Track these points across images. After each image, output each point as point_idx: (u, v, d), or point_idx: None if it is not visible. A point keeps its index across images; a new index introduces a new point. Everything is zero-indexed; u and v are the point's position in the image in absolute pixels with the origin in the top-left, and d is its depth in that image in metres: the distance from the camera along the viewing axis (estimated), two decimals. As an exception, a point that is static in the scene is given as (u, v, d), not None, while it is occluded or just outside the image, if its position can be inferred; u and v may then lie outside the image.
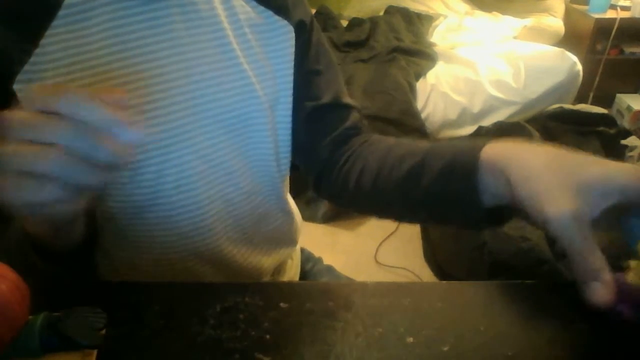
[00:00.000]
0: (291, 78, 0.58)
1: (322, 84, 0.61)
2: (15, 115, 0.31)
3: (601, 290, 0.37)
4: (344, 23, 2.58)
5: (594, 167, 0.39)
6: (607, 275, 0.37)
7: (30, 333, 0.36)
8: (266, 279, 0.68)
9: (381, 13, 2.62)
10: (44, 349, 0.36)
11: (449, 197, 0.48)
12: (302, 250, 0.81)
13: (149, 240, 0.55)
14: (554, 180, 0.39)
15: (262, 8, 0.56)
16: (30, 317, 0.36)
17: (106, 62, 0.47)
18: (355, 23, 2.52)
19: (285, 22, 0.57)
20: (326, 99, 0.60)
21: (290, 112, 0.60)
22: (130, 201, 0.52)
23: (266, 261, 0.66)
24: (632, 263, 0.39)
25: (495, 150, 0.45)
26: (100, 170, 0.32)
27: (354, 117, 0.63)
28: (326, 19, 2.58)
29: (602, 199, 0.38)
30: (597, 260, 0.37)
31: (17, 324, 0.34)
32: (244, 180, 0.59)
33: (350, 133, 0.62)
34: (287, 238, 0.70)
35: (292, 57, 0.58)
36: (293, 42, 0.58)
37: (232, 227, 0.60)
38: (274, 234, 0.66)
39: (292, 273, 0.75)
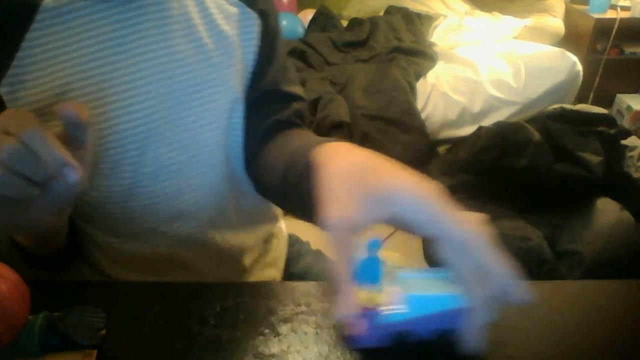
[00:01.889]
0: (253, 69, 0.60)
1: (267, 72, 0.62)
2: None
3: (340, 303, 0.35)
4: (344, 23, 2.58)
5: (383, 176, 0.38)
6: (347, 289, 0.35)
7: (30, 333, 0.36)
8: (252, 256, 0.70)
9: (381, 13, 2.62)
10: (44, 349, 0.36)
11: (300, 199, 0.48)
12: (290, 235, 0.83)
13: (133, 227, 0.58)
14: (341, 185, 0.39)
15: (233, 0, 0.58)
16: (30, 317, 0.36)
17: (84, 61, 0.49)
18: (355, 23, 2.52)
19: (255, 14, 0.59)
20: (265, 86, 0.61)
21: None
22: (111, 191, 0.54)
23: (248, 239, 0.68)
24: (362, 294, 0.37)
25: (319, 152, 0.45)
26: (32, 187, 0.36)
27: (293, 108, 0.63)
28: (326, 19, 2.58)
29: (378, 209, 0.37)
30: (344, 271, 0.36)
31: (17, 324, 0.34)
32: (225, 168, 0.60)
33: (282, 125, 0.62)
34: (267, 214, 0.72)
35: (257, 48, 0.60)
36: (259, 33, 0.60)
37: (213, 211, 0.62)
38: (252, 212, 0.68)
39: (277, 253, 0.77)
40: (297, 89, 0.65)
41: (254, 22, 0.59)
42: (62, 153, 0.35)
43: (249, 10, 0.58)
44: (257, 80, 0.61)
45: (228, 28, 0.57)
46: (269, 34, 0.61)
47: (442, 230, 0.36)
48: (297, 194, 0.49)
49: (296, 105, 0.63)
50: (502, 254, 0.35)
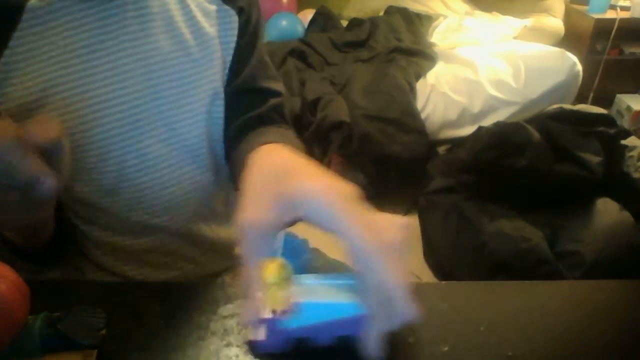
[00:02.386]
0: (231, 65, 0.61)
1: (244, 68, 0.63)
2: None
3: (246, 308, 0.35)
4: (344, 23, 2.58)
5: (295, 179, 0.38)
6: (253, 294, 0.35)
7: (30, 333, 0.36)
8: None
9: (381, 13, 2.62)
10: (44, 349, 0.36)
11: None
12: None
13: (122, 221, 0.59)
14: (256, 188, 0.40)
15: None
16: (30, 317, 0.36)
17: (69, 58, 0.51)
18: (355, 23, 2.52)
19: (233, 11, 0.60)
20: (241, 82, 0.62)
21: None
22: (97, 185, 0.55)
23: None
24: (267, 294, 0.37)
25: (253, 155, 0.45)
26: (9, 192, 0.36)
27: (270, 104, 0.63)
28: (326, 19, 2.57)
29: (287, 212, 0.37)
30: (250, 275, 0.36)
31: (17, 324, 0.34)
32: (209, 161, 0.62)
33: (256, 122, 0.62)
34: None
35: (235, 44, 0.61)
36: (237, 30, 0.61)
37: (200, 204, 0.63)
38: None
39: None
40: (275, 85, 0.65)
41: (233, 19, 0.60)
42: (34, 162, 0.36)
43: (227, 7, 0.60)
44: (235, 76, 0.62)
45: (207, 25, 0.58)
46: (248, 31, 0.62)
47: (344, 237, 0.36)
48: None
49: (273, 101, 0.64)
50: (402, 265, 0.35)
